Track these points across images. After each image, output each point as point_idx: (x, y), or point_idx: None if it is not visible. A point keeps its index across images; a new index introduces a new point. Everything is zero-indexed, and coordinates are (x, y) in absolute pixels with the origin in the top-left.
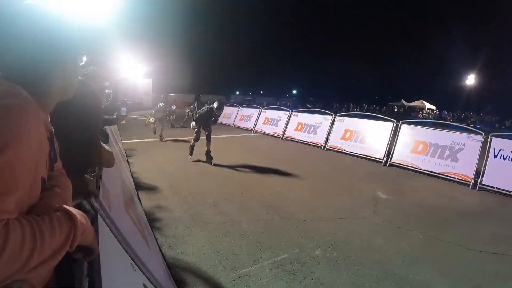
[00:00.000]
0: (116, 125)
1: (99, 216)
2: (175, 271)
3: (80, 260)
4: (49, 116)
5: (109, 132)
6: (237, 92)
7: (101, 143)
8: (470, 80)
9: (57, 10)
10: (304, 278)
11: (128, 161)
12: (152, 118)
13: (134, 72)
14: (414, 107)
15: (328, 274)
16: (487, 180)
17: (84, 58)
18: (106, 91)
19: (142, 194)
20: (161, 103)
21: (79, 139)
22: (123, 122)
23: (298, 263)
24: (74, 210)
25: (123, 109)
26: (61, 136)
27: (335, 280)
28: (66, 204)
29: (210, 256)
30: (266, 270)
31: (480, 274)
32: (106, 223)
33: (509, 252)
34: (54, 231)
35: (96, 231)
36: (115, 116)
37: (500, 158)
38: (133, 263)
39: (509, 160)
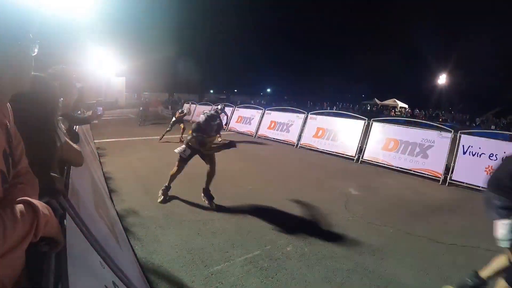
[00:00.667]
0: (88, 124)
1: (67, 214)
2: (148, 269)
3: (48, 253)
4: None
5: (80, 132)
6: (211, 91)
7: (69, 141)
8: (442, 79)
9: None
10: (276, 274)
11: (100, 161)
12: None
13: (107, 70)
14: (386, 106)
15: (300, 269)
16: (456, 175)
17: (36, 50)
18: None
19: (114, 194)
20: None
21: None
22: (96, 121)
23: (270, 259)
24: (36, 201)
25: (99, 108)
26: (21, 133)
27: (307, 275)
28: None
29: (183, 255)
30: (238, 267)
31: (450, 267)
32: (74, 221)
33: (478, 244)
34: (17, 220)
35: (64, 229)
36: (90, 114)
37: (469, 155)
38: (102, 261)
39: (477, 156)
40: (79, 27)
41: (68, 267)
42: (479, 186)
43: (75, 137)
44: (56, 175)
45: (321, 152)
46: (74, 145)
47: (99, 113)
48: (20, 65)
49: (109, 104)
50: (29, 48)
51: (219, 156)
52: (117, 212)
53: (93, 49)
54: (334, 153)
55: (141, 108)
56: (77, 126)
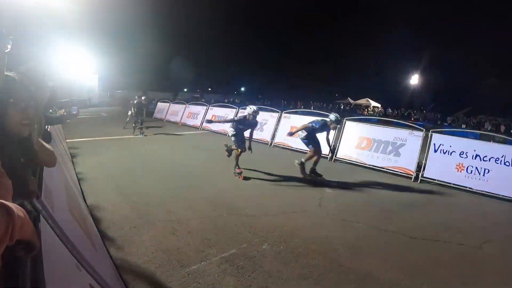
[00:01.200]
0: (60, 125)
1: (41, 216)
2: (124, 271)
3: (24, 257)
4: None
5: (52, 131)
6: (185, 89)
7: (42, 141)
8: (414, 79)
9: None
10: (253, 272)
11: (72, 161)
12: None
13: (80, 68)
14: (360, 105)
15: (276, 267)
16: (428, 173)
17: (9, 46)
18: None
19: (87, 195)
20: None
21: (8, 137)
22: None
23: (246, 258)
24: (10, 204)
25: (74, 107)
26: None
27: (283, 273)
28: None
29: (159, 255)
30: (215, 266)
31: (423, 261)
32: (48, 223)
33: (450, 239)
34: None
35: (39, 231)
36: (62, 114)
37: (440, 153)
38: (77, 263)
39: (448, 154)
40: (51, 22)
41: (44, 270)
42: (450, 183)
43: (47, 136)
44: (29, 176)
45: (294, 150)
46: (47, 145)
47: (74, 112)
48: None
49: (82, 102)
50: (1, 44)
51: (190, 156)
52: (91, 214)
53: (65, 46)
54: (308, 152)
55: (134, 110)
56: (49, 126)
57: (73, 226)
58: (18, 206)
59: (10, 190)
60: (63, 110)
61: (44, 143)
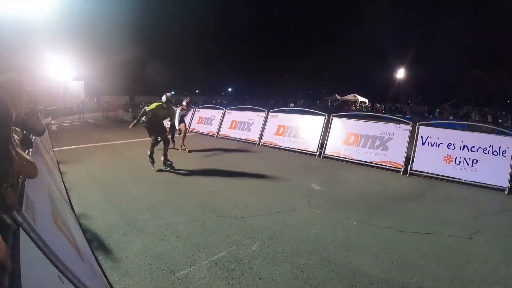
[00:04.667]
0: (46, 132)
1: (21, 229)
2: (114, 279)
3: None
4: None
5: (38, 140)
6: (172, 92)
7: (21, 152)
8: (400, 73)
9: None
10: (243, 274)
11: (59, 169)
12: None
13: (64, 74)
14: (347, 101)
15: (266, 268)
16: (416, 166)
17: None
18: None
19: (75, 203)
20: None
21: None
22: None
23: (236, 260)
24: None
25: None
26: None
27: (273, 273)
28: None
29: (148, 261)
30: (204, 270)
31: (414, 255)
32: (29, 236)
33: (440, 231)
34: None
35: (18, 244)
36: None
37: (428, 145)
38: (60, 275)
39: (436, 146)
40: (32, 29)
41: (22, 284)
42: (439, 175)
43: (28, 144)
44: (7, 189)
45: (283, 149)
46: (27, 157)
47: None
48: None
49: (68, 109)
50: None
51: (178, 159)
52: (79, 222)
53: (48, 53)
54: (296, 150)
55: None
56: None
57: (57, 237)
58: None
59: None
60: (50, 118)
61: (24, 154)
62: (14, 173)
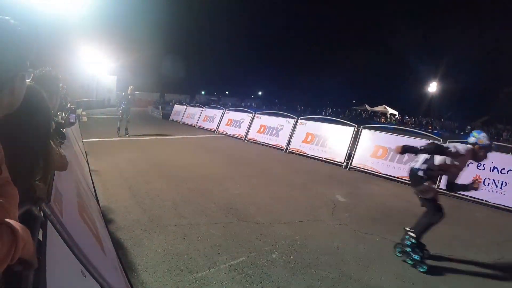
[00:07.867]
0: (77, 124)
1: (48, 221)
2: (132, 275)
3: (20, 272)
4: None
5: (68, 131)
6: (203, 92)
7: (54, 146)
8: (432, 87)
9: (6, 27)
10: (261, 282)
11: (87, 161)
12: None
13: (98, 69)
14: (376, 112)
15: (285, 277)
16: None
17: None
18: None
19: (100, 196)
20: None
21: (27, 144)
22: (85, 120)
23: (255, 266)
24: (16, 224)
25: (72, 115)
26: (7, 143)
27: (291, 283)
28: (10, 214)
29: (168, 260)
30: (223, 274)
31: (437, 277)
32: (56, 228)
33: (465, 254)
34: None
35: (45, 237)
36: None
37: None
38: (83, 269)
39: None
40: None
41: (47, 277)
42: (466, 196)
43: (62, 138)
44: (38, 183)
45: (310, 157)
46: (60, 150)
47: (72, 120)
48: (19, 92)
49: (100, 102)
50: (25, 76)
51: (204, 159)
52: (103, 215)
53: (84, 48)
54: (323, 159)
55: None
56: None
57: (82, 230)
58: (23, 226)
59: (16, 199)
60: (81, 109)
61: (56, 148)
62: (49, 167)
